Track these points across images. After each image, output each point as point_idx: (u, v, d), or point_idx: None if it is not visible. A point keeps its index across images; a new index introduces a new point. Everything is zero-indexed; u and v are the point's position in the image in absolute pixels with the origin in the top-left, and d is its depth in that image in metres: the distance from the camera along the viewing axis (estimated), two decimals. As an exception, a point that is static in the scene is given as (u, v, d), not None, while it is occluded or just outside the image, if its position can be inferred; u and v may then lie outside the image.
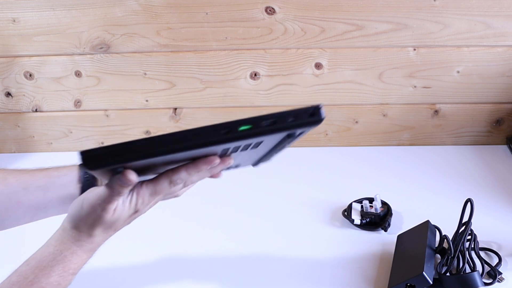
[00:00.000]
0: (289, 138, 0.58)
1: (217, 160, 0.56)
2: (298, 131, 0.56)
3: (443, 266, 0.80)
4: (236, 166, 0.71)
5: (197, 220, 0.98)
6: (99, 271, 0.84)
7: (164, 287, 0.82)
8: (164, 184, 0.57)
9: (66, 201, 0.70)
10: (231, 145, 0.54)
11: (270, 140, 0.58)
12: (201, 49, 1.13)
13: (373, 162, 1.16)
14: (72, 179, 0.71)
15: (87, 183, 0.71)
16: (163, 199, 0.63)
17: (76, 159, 0.50)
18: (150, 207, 0.61)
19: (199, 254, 0.89)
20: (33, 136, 1.24)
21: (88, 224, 0.58)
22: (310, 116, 0.55)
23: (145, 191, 0.58)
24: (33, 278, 0.57)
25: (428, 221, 0.87)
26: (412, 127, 1.21)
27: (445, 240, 0.81)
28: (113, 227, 0.59)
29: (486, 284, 0.78)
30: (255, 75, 1.16)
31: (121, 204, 0.58)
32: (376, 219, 0.93)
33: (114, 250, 0.77)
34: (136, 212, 0.59)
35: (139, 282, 0.83)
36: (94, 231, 0.59)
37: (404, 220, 0.95)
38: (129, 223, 0.61)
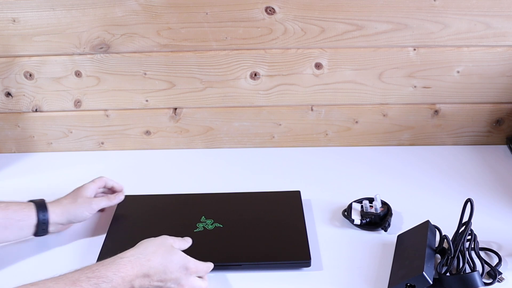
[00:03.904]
0: None
1: None
2: None
3: (443, 266, 0.80)
4: None
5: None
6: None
7: None
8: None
9: (19, 239, 0.87)
10: None
11: None
12: (201, 49, 1.13)
13: (373, 162, 1.16)
14: (29, 223, 0.85)
15: (41, 230, 0.87)
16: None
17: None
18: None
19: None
20: (33, 136, 1.24)
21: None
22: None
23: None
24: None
25: (428, 221, 0.87)
26: (412, 127, 1.21)
27: (445, 240, 0.81)
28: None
29: (486, 284, 0.78)
30: (255, 75, 1.16)
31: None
32: (376, 219, 0.93)
33: None
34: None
35: None
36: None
37: (404, 220, 0.95)
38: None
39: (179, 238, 0.81)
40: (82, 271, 0.66)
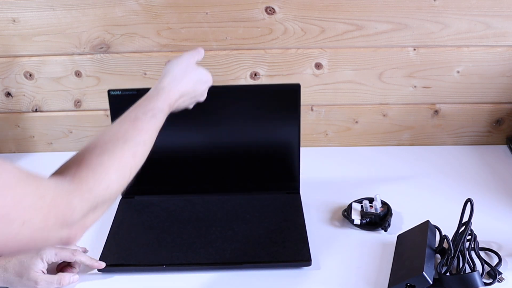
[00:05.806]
0: None
1: None
2: None
3: (443, 266, 0.80)
4: None
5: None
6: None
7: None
8: None
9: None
10: None
11: None
12: (201, 49, 1.13)
13: (373, 162, 1.16)
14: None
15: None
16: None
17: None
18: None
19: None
20: (33, 136, 1.24)
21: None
22: None
23: None
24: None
25: (428, 221, 0.87)
26: (412, 127, 1.21)
27: (445, 240, 0.81)
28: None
29: (486, 284, 0.78)
30: (255, 75, 1.16)
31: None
32: (376, 219, 0.93)
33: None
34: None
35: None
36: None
37: (404, 220, 0.95)
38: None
39: (197, 52, 0.84)
40: (135, 110, 0.70)
